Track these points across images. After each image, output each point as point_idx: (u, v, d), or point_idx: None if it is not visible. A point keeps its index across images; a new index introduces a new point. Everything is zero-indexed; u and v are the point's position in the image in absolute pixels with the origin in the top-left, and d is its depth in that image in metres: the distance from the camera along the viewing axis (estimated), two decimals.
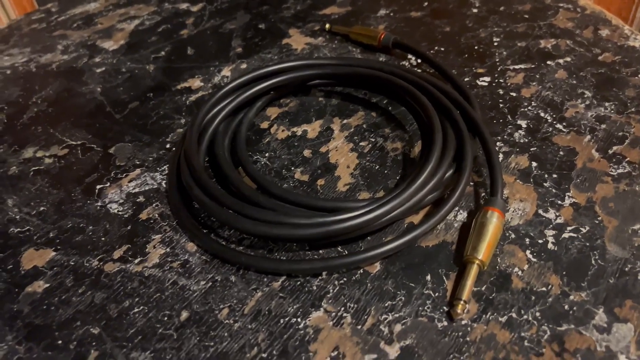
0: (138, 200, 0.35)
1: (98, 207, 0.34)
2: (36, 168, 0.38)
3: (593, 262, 0.29)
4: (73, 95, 0.45)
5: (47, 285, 0.30)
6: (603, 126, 0.37)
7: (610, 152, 0.35)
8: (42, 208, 0.35)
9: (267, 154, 0.37)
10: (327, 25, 0.49)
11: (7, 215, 0.34)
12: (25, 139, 0.40)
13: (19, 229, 0.33)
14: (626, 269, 0.29)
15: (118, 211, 0.34)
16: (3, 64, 0.49)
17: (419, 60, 0.45)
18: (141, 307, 0.29)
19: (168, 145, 0.39)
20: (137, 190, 0.35)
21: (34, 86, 0.46)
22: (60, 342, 0.27)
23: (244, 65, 0.46)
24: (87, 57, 0.49)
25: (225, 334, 0.27)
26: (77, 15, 0.55)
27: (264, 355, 0.26)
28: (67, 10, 0.57)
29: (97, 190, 0.36)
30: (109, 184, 0.36)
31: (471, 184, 0.34)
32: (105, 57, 0.49)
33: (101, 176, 0.37)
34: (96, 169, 0.37)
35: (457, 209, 0.32)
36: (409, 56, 0.45)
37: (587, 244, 0.30)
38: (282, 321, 0.28)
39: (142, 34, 0.52)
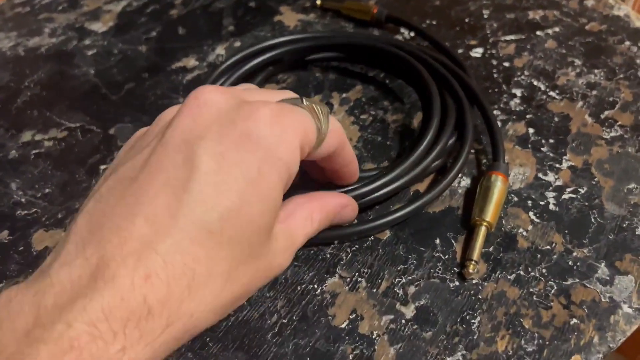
0: None
1: None
2: (36, 151, 0.37)
3: (592, 220, 0.31)
4: (66, 78, 0.44)
5: None
6: (594, 92, 0.39)
7: (602, 116, 0.37)
8: (47, 190, 0.35)
9: None
10: (318, 1, 0.49)
11: (13, 199, 0.34)
12: (21, 122, 0.40)
13: (26, 212, 0.33)
14: (624, 225, 0.30)
15: None
16: None
17: (412, 34, 0.45)
18: None
19: None
20: None
21: (24, 70, 0.45)
22: None
23: (237, 44, 0.46)
24: (76, 39, 0.48)
25: (245, 303, 0.28)
26: None
27: (284, 320, 0.27)
28: None
29: (101, 171, 0.35)
30: None
31: (472, 151, 0.35)
32: (95, 39, 0.48)
33: (104, 157, 0.37)
34: (98, 149, 0.37)
35: (460, 175, 0.33)
36: (402, 30, 0.46)
37: (586, 204, 0.31)
38: (299, 288, 0.28)
39: (130, 15, 0.51)
